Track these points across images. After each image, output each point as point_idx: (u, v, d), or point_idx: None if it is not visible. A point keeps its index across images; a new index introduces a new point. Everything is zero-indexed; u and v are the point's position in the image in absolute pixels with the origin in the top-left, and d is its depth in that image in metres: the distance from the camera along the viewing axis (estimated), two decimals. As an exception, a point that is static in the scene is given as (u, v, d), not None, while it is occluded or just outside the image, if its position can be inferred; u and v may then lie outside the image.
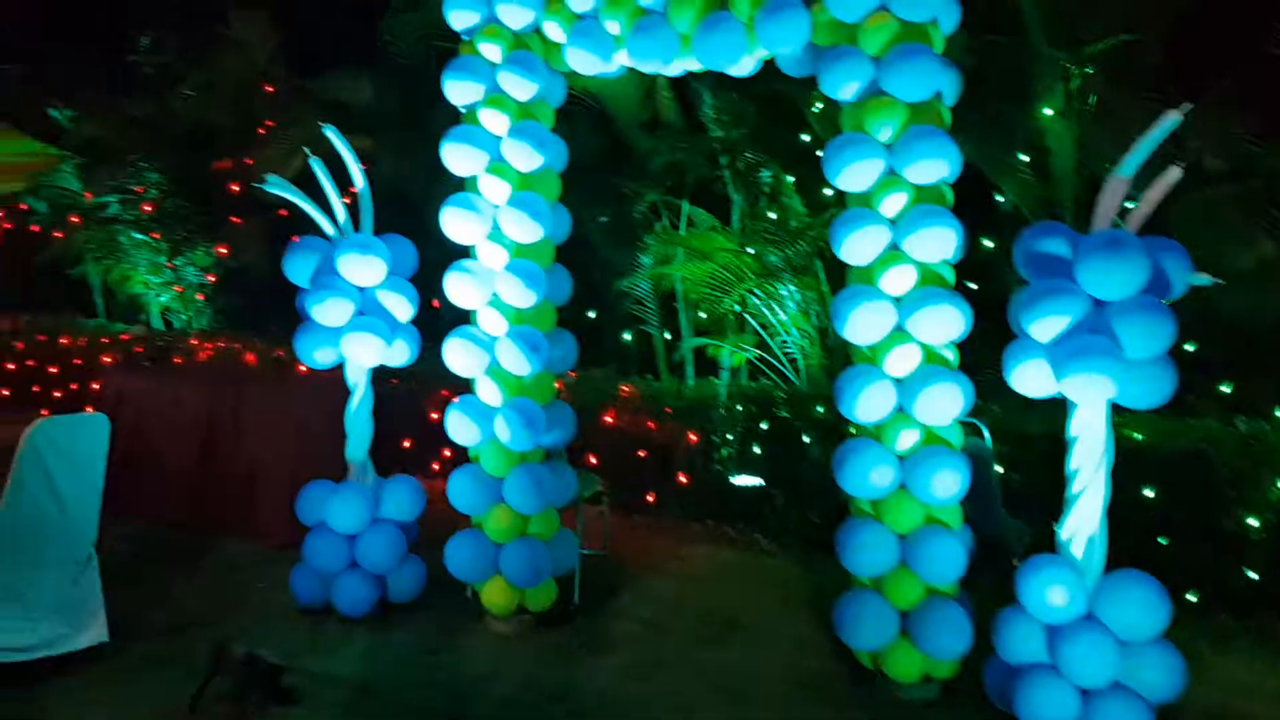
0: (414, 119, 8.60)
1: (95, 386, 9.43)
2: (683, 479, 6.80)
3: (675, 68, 5.10)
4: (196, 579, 5.88)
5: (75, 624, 4.64)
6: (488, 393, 5.14)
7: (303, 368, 7.85)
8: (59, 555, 4.65)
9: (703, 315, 7.32)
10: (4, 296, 11.17)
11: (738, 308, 6.99)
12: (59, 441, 4.58)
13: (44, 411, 9.88)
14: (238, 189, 9.45)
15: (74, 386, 9.73)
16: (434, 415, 7.55)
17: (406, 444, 7.65)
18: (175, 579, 5.83)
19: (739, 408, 6.62)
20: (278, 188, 5.57)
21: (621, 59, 5.08)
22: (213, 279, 9.94)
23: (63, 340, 10.02)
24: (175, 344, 9.51)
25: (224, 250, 9.69)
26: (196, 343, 9.31)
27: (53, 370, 9.93)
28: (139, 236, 9.98)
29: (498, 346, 5.06)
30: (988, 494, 4.94)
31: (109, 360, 9.45)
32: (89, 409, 9.53)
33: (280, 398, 6.81)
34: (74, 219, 10.30)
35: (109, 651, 4.72)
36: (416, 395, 7.63)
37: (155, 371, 8.45)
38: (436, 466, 7.64)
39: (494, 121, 5.09)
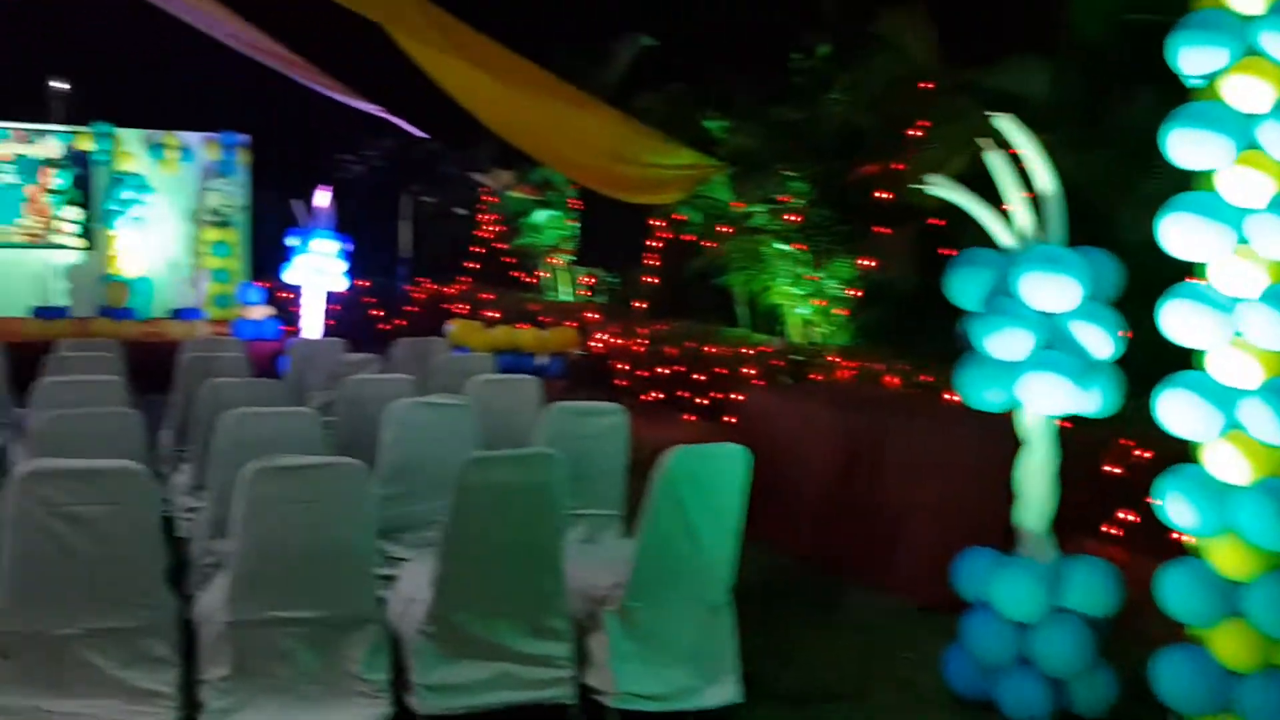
0: (1097, 110, 7.31)
1: (736, 397, 9.44)
2: None
3: None
4: (828, 634, 5.26)
5: (705, 676, 4.22)
6: (1223, 464, 3.76)
7: (953, 397, 6.98)
8: (691, 597, 4.26)
9: None
10: (660, 303, 11.76)
11: None
12: (695, 474, 4.17)
13: (688, 417, 10.17)
14: (885, 196, 8.82)
15: (717, 396, 9.81)
16: (1111, 469, 6.20)
17: (1075, 501, 6.37)
18: (805, 630, 5.26)
19: None
20: (943, 190, 4.72)
21: None
22: (855, 293, 9.42)
23: (708, 349, 10.18)
24: (813, 360, 9.15)
25: (868, 262, 9.11)
26: (835, 360, 8.84)
27: (699, 378, 10.12)
28: (781, 247, 9.80)
29: (1243, 404, 3.68)
30: None
31: (749, 372, 9.37)
32: (730, 419, 9.61)
33: (930, 433, 5.96)
34: (722, 228, 10.44)
35: (741, 713, 4.22)
36: (1091, 442, 6.32)
37: (793, 390, 8.15)
38: (1110, 531, 6.26)
39: (1248, 94, 3.71)
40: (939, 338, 4.57)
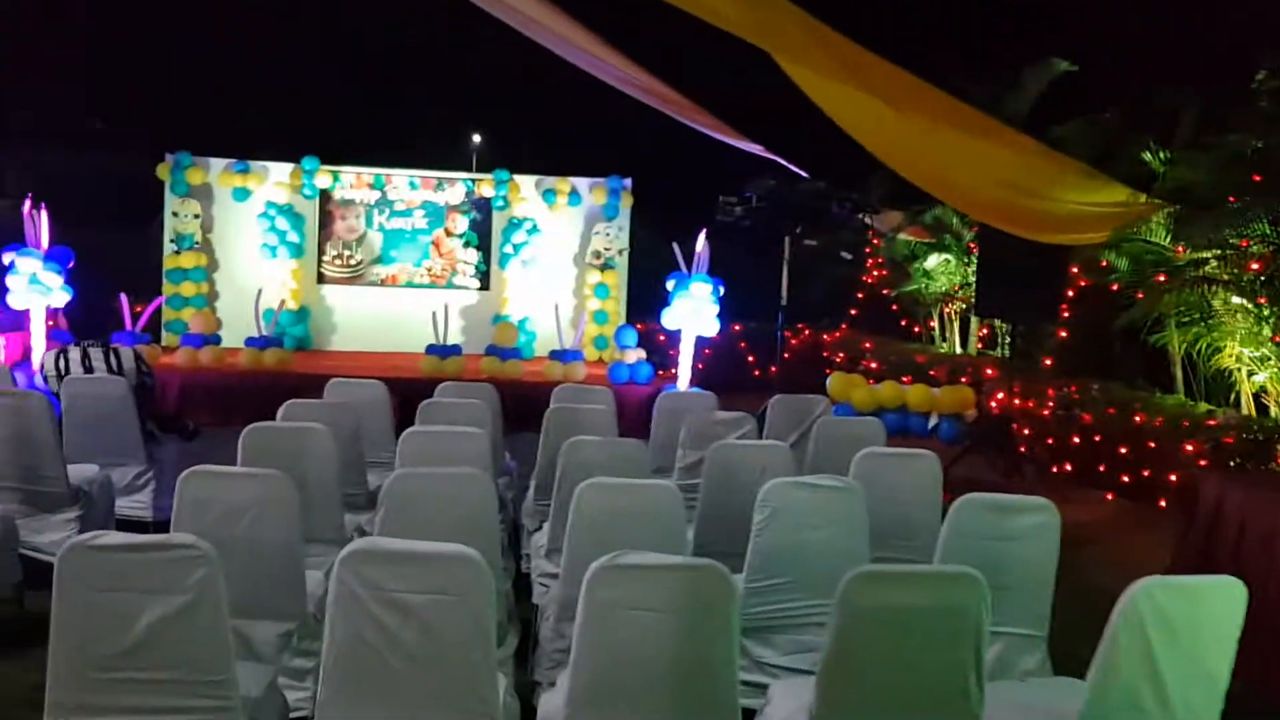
0: None
1: (1171, 478, 7.87)
2: None
3: None
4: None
5: None
6: None
7: None
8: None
9: None
10: (1073, 361, 10.24)
11: None
12: (1171, 615, 3.08)
13: (1107, 495, 8.64)
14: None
15: (1146, 474, 8.27)
16: None
17: None
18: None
19: None
20: None
21: None
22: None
23: (1135, 417, 8.61)
24: (1275, 438, 7.39)
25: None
26: (1306, 440, 7.07)
27: (1122, 450, 8.59)
28: (1238, 301, 8.07)
29: None
30: None
31: (1191, 450, 7.75)
32: (1161, 503, 8.02)
33: None
34: (1159, 278, 8.80)
35: None
36: None
37: (1256, 477, 6.56)
38: None
39: None
40: None
